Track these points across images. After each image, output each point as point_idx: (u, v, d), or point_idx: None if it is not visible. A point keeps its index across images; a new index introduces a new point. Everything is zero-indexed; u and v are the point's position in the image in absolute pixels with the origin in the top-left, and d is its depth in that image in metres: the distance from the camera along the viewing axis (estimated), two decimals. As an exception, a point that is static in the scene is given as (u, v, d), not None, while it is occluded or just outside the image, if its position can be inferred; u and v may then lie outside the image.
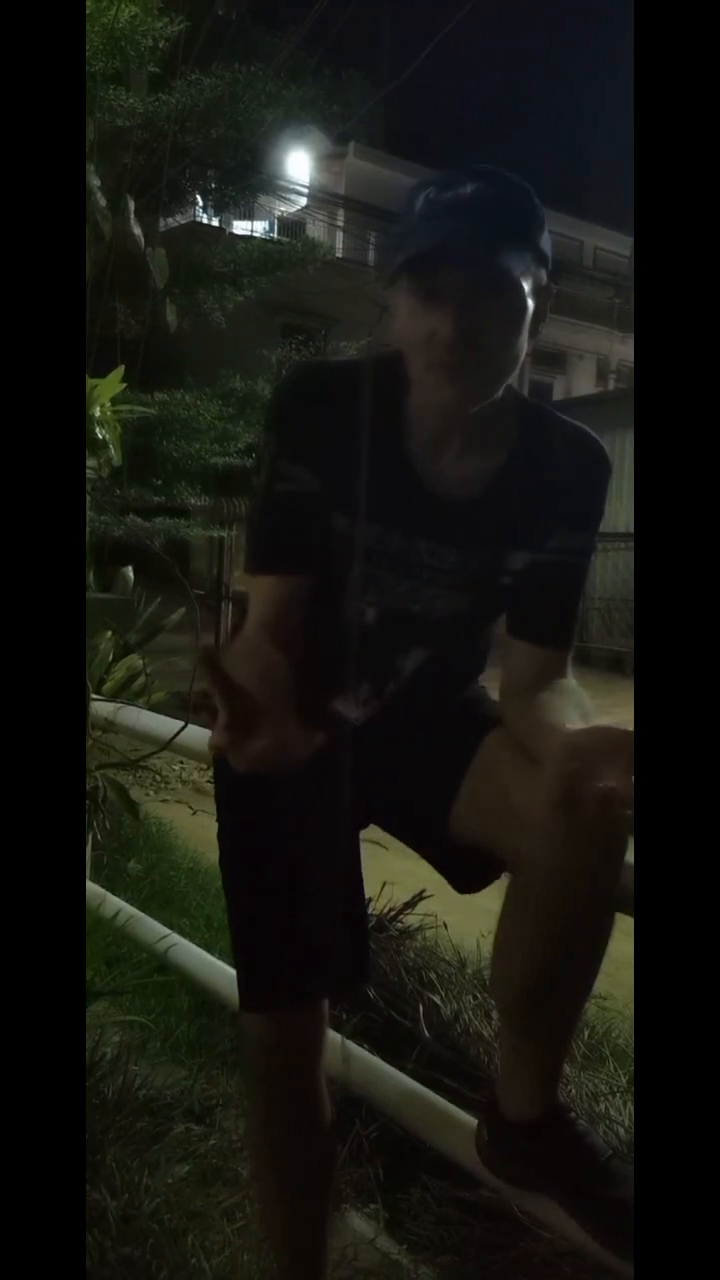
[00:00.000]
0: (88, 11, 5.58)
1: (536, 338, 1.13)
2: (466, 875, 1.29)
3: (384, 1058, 1.71)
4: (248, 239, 11.29)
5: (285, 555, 1.18)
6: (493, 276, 1.04)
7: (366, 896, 1.47)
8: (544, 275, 1.10)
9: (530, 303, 1.08)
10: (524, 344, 1.11)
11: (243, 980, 1.28)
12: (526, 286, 1.07)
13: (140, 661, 3.34)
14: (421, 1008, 2.03)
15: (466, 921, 2.27)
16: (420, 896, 2.45)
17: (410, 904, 2.47)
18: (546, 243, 1.10)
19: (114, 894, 2.52)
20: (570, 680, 1.22)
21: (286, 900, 1.26)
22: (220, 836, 1.33)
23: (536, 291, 1.09)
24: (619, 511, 1.03)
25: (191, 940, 2.27)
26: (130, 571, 3.65)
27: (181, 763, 5.30)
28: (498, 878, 1.26)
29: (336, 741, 1.24)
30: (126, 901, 2.46)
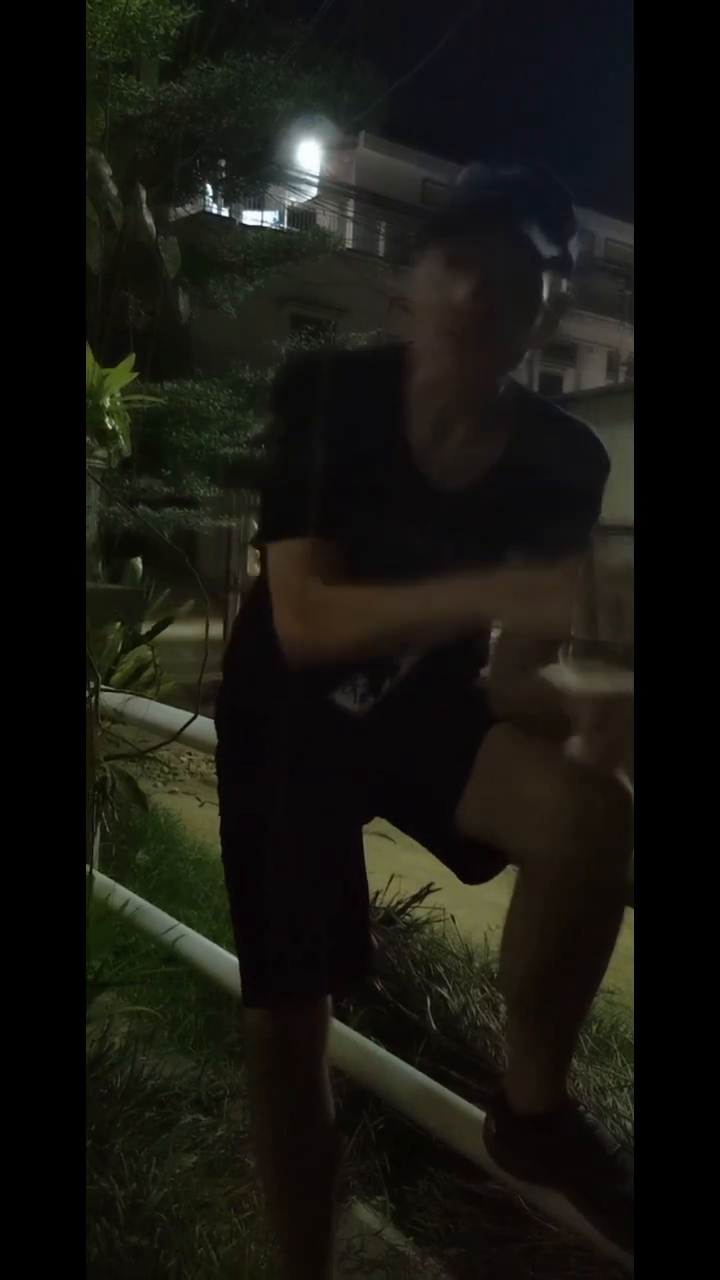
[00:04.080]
0: (99, 0, 5.56)
1: (549, 335, 1.13)
2: (473, 866, 1.29)
3: (391, 1050, 1.71)
4: (258, 229, 11.27)
5: (309, 516, 1.16)
6: (517, 256, 1.05)
7: (371, 891, 1.46)
8: (564, 280, 1.11)
9: (545, 293, 1.09)
10: (533, 333, 1.11)
11: (245, 976, 1.28)
12: (546, 277, 1.08)
13: (149, 652, 3.34)
14: (429, 1001, 2.03)
15: (474, 915, 2.27)
16: (428, 890, 2.45)
17: (418, 897, 2.47)
18: (574, 249, 1.11)
19: (122, 885, 2.52)
20: (561, 665, 1.22)
21: (289, 896, 1.25)
22: (223, 831, 1.33)
23: (554, 290, 1.10)
24: (629, 504, 1.03)
25: (199, 931, 2.27)
26: (139, 562, 3.65)
27: (190, 754, 5.31)
28: (504, 868, 1.26)
29: (337, 736, 1.24)
30: (135, 892, 2.47)
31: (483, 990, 2.13)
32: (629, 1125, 1.68)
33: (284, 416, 1.19)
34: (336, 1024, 1.53)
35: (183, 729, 2.06)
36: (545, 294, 1.09)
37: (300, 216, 16.28)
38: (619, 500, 1.34)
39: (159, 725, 2.21)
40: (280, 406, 1.21)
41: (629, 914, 1.11)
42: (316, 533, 1.16)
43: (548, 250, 1.06)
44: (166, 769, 5.34)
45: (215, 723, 1.40)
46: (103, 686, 2.45)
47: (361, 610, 1.13)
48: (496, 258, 1.05)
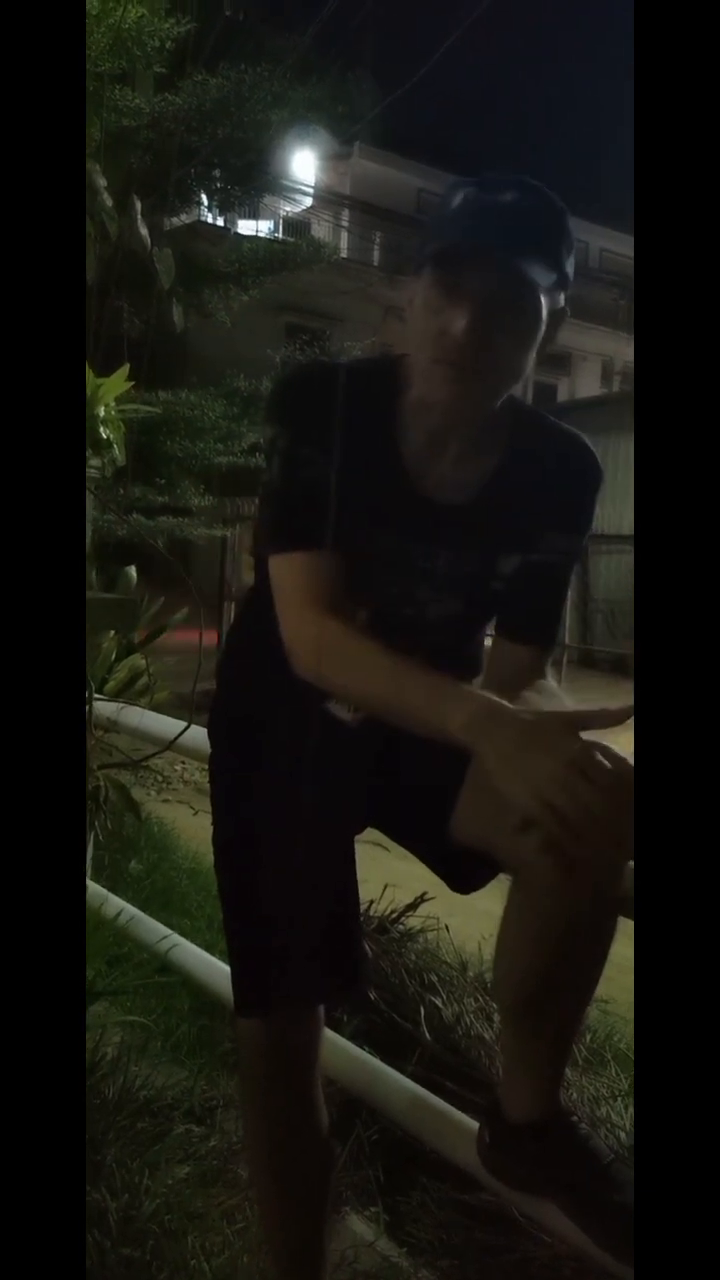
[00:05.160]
0: (94, 12, 5.58)
1: (546, 349, 1.14)
2: (464, 875, 1.29)
3: (385, 1060, 1.71)
4: (253, 239, 11.30)
5: (323, 528, 1.16)
6: (516, 287, 1.05)
7: (363, 900, 1.46)
8: (562, 298, 1.11)
9: (544, 321, 1.09)
10: (530, 360, 1.11)
11: (238, 986, 1.28)
12: (545, 305, 1.08)
13: (143, 661, 3.34)
14: (423, 1010, 2.03)
15: (468, 924, 2.27)
16: (422, 899, 2.45)
17: (411, 906, 2.47)
18: (571, 266, 1.10)
19: (115, 894, 2.51)
20: (549, 681, 1.23)
21: (281, 906, 1.25)
22: (215, 841, 1.33)
23: (552, 312, 1.10)
24: (623, 514, 1.02)
25: (192, 941, 2.26)
26: (133, 571, 3.65)
27: (183, 763, 5.30)
28: (494, 877, 1.26)
29: (331, 745, 1.24)
30: (128, 902, 2.46)
31: (476, 1000, 2.12)
32: (623, 1135, 1.68)
33: (284, 426, 1.19)
34: (330, 1034, 1.53)
35: (176, 738, 2.05)
36: (544, 316, 1.09)
37: (295, 226, 16.32)
38: (613, 508, 1.35)
39: (152, 734, 2.21)
40: (279, 417, 1.21)
41: (624, 924, 1.11)
42: (321, 545, 1.15)
43: (545, 276, 1.06)
44: (160, 778, 5.32)
45: (209, 732, 1.40)
46: (96, 695, 2.45)
47: (368, 677, 1.10)
48: (493, 289, 1.05)
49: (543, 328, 1.09)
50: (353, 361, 1.26)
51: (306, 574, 1.16)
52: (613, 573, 11.28)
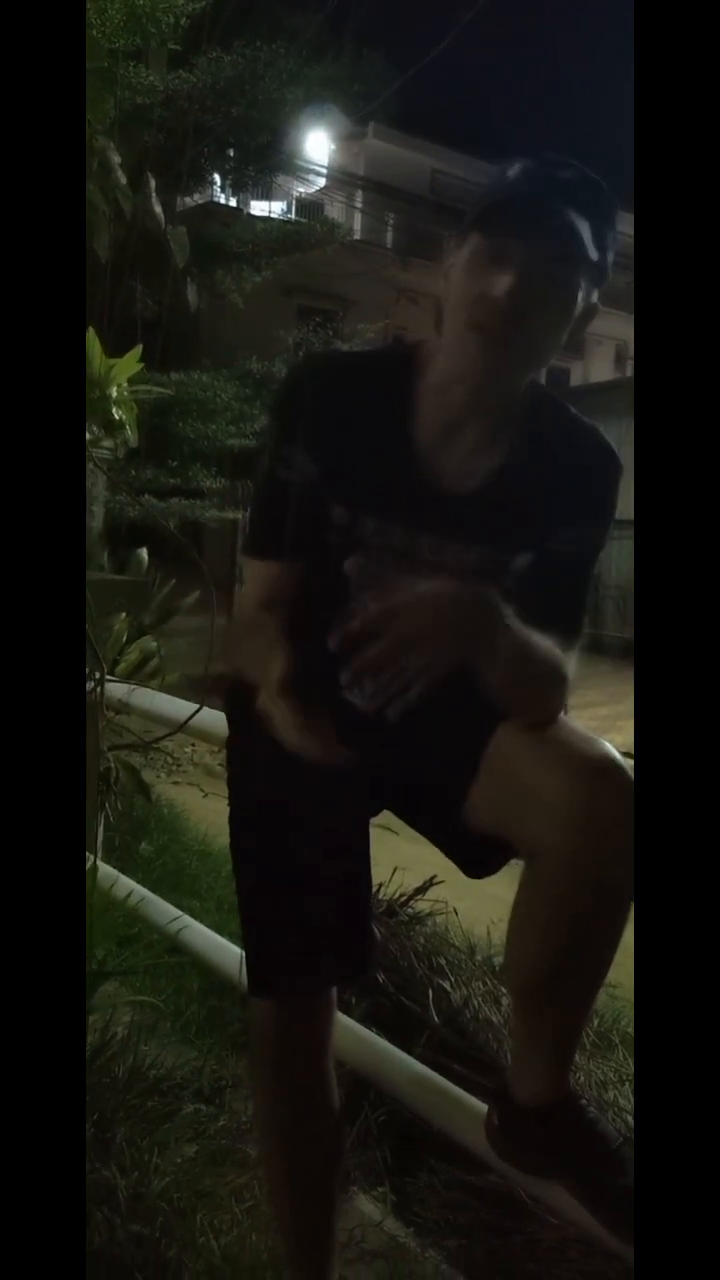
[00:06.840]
0: (109, -12, 5.55)
1: (570, 342, 1.13)
2: (477, 861, 1.29)
3: (393, 1042, 1.72)
4: (266, 219, 11.26)
5: (281, 540, 1.18)
6: (562, 257, 1.04)
7: (374, 883, 1.47)
8: (596, 292, 1.11)
9: (580, 300, 1.09)
10: (560, 340, 1.11)
11: (251, 966, 1.29)
12: (583, 287, 1.08)
13: (154, 643, 3.34)
14: (431, 993, 2.03)
15: (476, 908, 2.27)
16: (431, 882, 2.45)
17: (421, 890, 2.47)
18: (610, 260, 1.10)
19: (126, 875, 2.52)
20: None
21: (296, 887, 1.26)
22: (231, 821, 1.33)
23: (587, 300, 1.10)
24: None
25: (202, 922, 2.27)
26: (145, 553, 3.65)
27: (194, 745, 5.32)
28: (507, 863, 1.26)
29: (347, 730, 1.24)
30: (138, 883, 2.47)
31: (485, 983, 2.13)
32: (629, 1119, 1.68)
33: (280, 426, 1.20)
34: (339, 1015, 1.53)
35: (187, 720, 2.06)
36: (580, 300, 1.08)
37: (308, 207, 16.23)
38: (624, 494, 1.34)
39: (163, 716, 2.22)
40: (278, 416, 1.21)
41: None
42: (285, 556, 1.19)
43: (592, 254, 1.06)
44: (170, 759, 5.35)
45: (226, 714, 1.40)
46: (108, 677, 2.45)
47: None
48: (542, 254, 1.04)
49: (578, 307, 1.09)
50: (364, 352, 1.26)
51: (263, 582, 1.21)
52: (624, 558, 11.25)
